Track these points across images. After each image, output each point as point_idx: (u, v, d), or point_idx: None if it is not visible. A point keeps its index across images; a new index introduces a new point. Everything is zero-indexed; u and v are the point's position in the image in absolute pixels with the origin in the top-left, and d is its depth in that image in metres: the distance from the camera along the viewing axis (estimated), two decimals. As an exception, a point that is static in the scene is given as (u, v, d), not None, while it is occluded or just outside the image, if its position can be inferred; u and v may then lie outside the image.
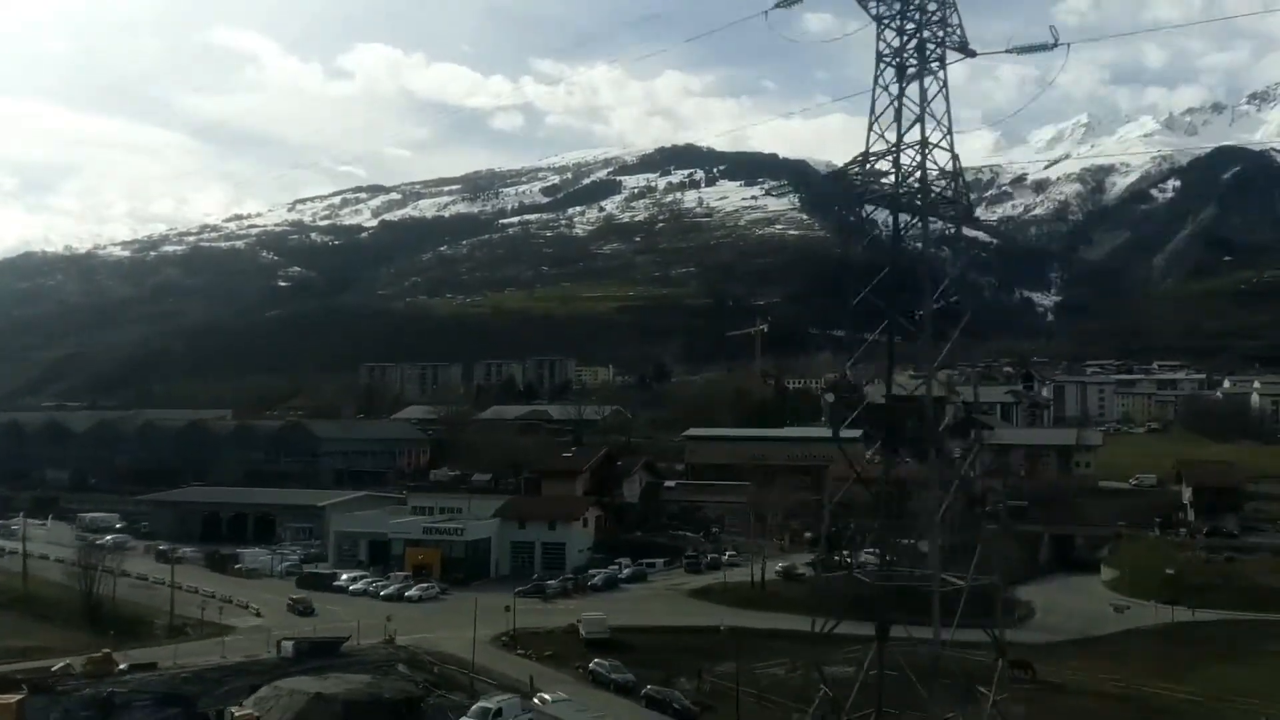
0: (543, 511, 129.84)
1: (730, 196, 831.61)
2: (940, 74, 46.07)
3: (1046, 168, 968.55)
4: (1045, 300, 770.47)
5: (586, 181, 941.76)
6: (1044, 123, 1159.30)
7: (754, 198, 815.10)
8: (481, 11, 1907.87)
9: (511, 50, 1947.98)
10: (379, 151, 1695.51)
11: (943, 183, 48.77)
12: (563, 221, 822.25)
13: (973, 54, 46.52)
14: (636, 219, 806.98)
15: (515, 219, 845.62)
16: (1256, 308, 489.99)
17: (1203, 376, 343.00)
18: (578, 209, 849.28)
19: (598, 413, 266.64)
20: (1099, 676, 78.59)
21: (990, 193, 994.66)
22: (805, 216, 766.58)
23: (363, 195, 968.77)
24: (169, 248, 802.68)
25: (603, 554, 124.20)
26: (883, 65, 45.84)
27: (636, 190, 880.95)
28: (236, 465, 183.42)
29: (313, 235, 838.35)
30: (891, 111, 48.34)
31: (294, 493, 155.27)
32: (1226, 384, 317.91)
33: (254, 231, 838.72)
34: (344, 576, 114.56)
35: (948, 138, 45.31)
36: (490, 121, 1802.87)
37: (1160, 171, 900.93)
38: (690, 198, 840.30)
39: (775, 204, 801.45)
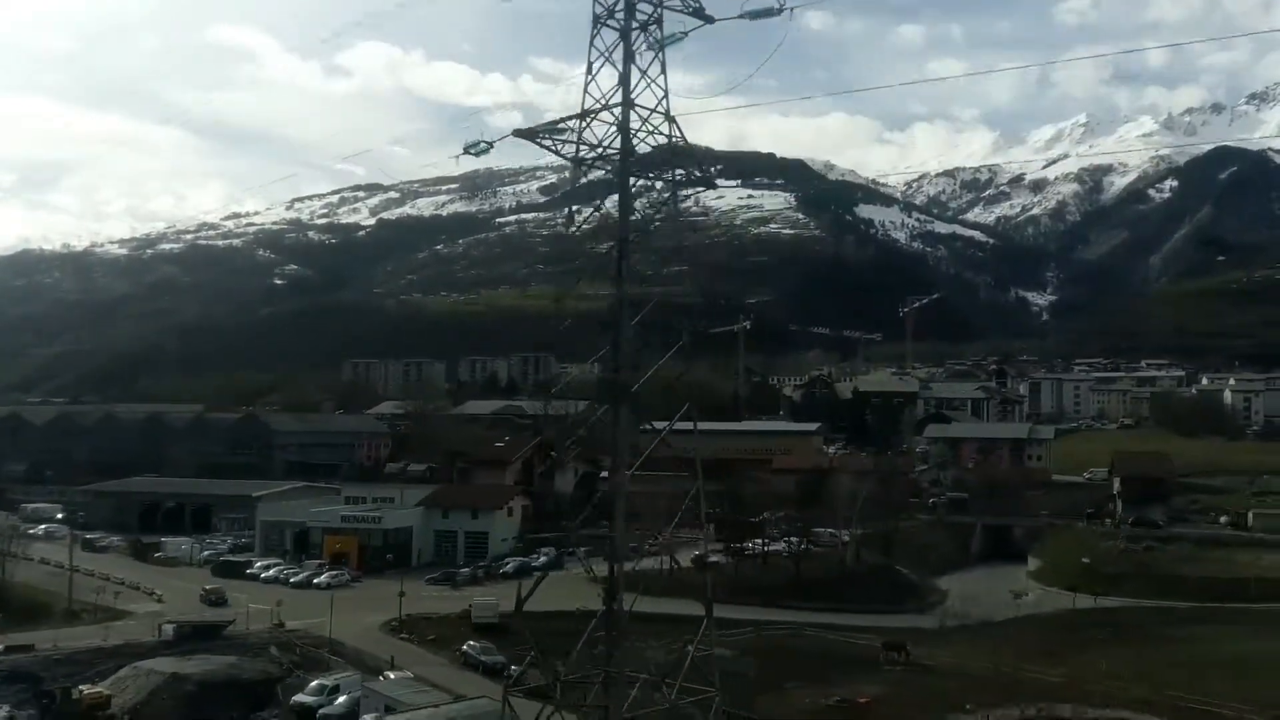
0: (466, 500, 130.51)
1: (727, 195, 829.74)
2: (656, 34, 45.86)
3: (1045, 167, 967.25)
4: (1040, 300, 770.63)
5: (584, 181, 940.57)
6: (1043, 122, 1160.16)
7: (750, 196, 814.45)
8: (480, 10, 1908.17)
9: (510, 49, 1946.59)
10: (378, 149, 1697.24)
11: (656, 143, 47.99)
12: (560, 220, 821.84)
13: (709, 20, 46.26)
14: (633, 217, 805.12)
15: (512, 217, 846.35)
16: (1246, 307, 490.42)
17: (1182, 374, 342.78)
18: (575, 208, 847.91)
19: (565, 408, 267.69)
20: (977, 660, 78.79)
21: (988, 192, 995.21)
22: (801, 216, 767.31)
23: (361, 194, 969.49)
24: (166, 245, 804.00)
25: (528, 543, 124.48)
26: (598, 26, 45.75)
27: (634, 189, 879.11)
28: (193, 458, 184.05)
29: (310, 234, 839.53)
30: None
31: (231, 484, 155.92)
32: (1204, 381, 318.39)
33: (252, 230, 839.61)
34: (258, 565, 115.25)
35: (664, 101, 45.00)
36: (490, 120, 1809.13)
37: (1158, 171, 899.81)
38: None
39: (771, 203, 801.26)
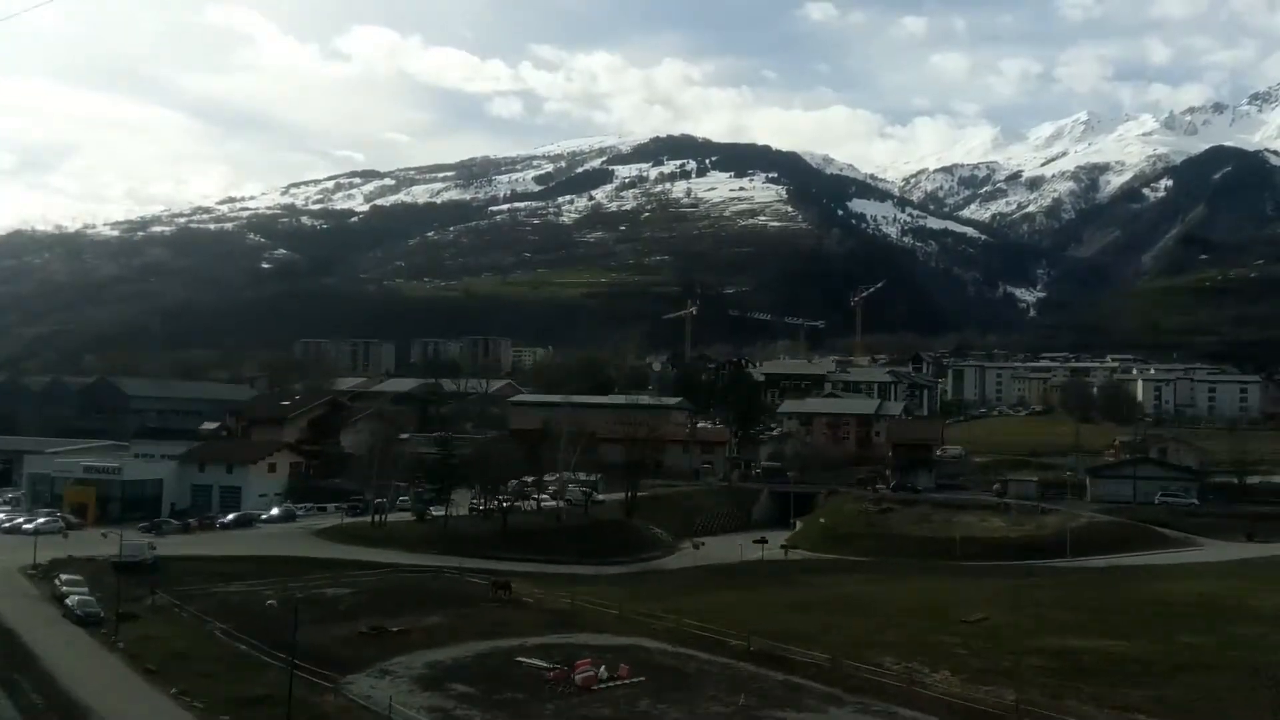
0: (221, 456, 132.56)
1: (719, 187, 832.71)
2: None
3: (1043, 165, 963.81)
4: (1029, 296, 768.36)
5: (580, 170, 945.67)
6: (1045, 118, 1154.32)
7: (741, 188, 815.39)
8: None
9: (510, 35, 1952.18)
10: (377, 135, 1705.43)
11: None
12: (551, 210, 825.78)
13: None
14: (624, 208, 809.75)
15: (505, 206, 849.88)
16: (1220, 304, 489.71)
17: (1115, 365, 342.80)
18: (567, 198, 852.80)
19: (479, 386, 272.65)
20: (604, 601, 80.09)
21: (985, 189, 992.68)
22: (790, 208, 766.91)
23: (356, 180, 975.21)
24: (159, 229, 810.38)
25: (293, 498, 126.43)
26: None
27: (627, 180, 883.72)
28: (46, 420, 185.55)
29: (303, 219, 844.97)
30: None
31: (30, 440, 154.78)
32: (1133, 372, 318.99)
33: (245, 214, 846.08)
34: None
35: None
36: (489, 107, 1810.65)
37: (1154, 170, 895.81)
38: (680, 188, 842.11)
39: (762, 195, 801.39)
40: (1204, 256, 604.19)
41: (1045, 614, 74.21)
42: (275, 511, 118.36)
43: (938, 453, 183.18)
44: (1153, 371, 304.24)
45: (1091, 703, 52.50)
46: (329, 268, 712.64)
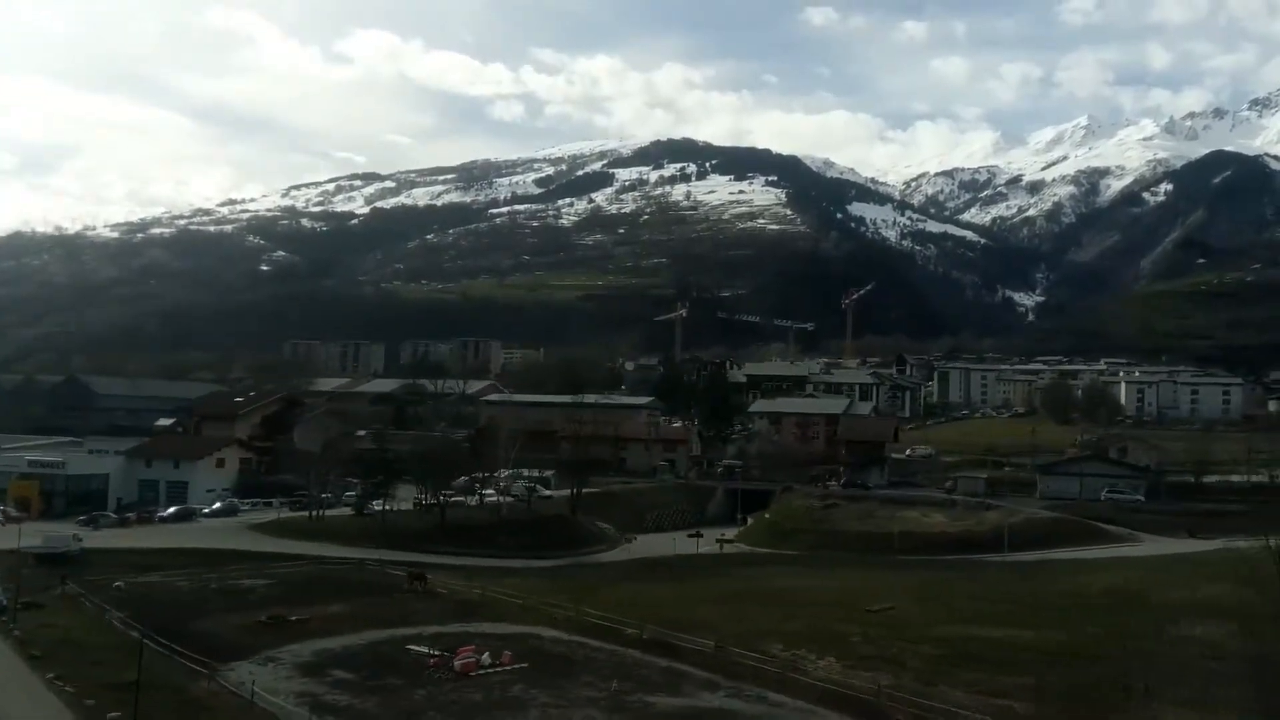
0: (168, 451, 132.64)
1: (718, 190, 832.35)
2: None
3: (1043, 169, 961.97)
4: (1027, 300, 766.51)
5: (580, 173, 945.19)
6: (1046, 122, 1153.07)
7: (741, 192, 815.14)
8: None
9: (512, 39, 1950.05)
10: (379, 138, 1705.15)
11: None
12: (551, 212, 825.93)
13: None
14: (624, 211, 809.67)
15: (505, 209, 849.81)
16: (1216, 308, 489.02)
17: (1103, 368, 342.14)
18: (567, 201, 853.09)
19: (455, 387, 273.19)
20: (523, 593, 79.73)
21: (985, 193, 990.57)
22: (789, 211, 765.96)
23: (357, 182, 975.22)
24: (159, 230, 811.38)
25: (241, 494, 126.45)
26: None
27: (628, 183, 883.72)
28: (17, 419, 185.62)
29: (303, 221, 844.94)
30: None
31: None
32: (1119, 374, 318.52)
33: (245, 216, 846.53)
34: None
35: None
36: (490, 111, 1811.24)
37: (1154, 175, 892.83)
38: (679, 191, 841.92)
39: (761, 198, 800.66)
40: (1202, 261, 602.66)
41: (956, 604, 74.03)
42: (217, 506, 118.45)
43: (907, 452, 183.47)
44: (1137, 374, 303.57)
45: (965, 689, 52.33)
46: (328, 270, 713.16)
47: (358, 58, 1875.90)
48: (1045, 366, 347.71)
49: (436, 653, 58.78)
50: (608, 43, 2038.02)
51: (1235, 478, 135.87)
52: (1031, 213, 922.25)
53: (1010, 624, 67.84)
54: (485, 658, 58.14)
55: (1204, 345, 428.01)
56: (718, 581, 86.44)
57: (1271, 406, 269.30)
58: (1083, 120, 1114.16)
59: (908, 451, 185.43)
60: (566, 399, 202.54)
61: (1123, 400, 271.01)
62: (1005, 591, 78.90)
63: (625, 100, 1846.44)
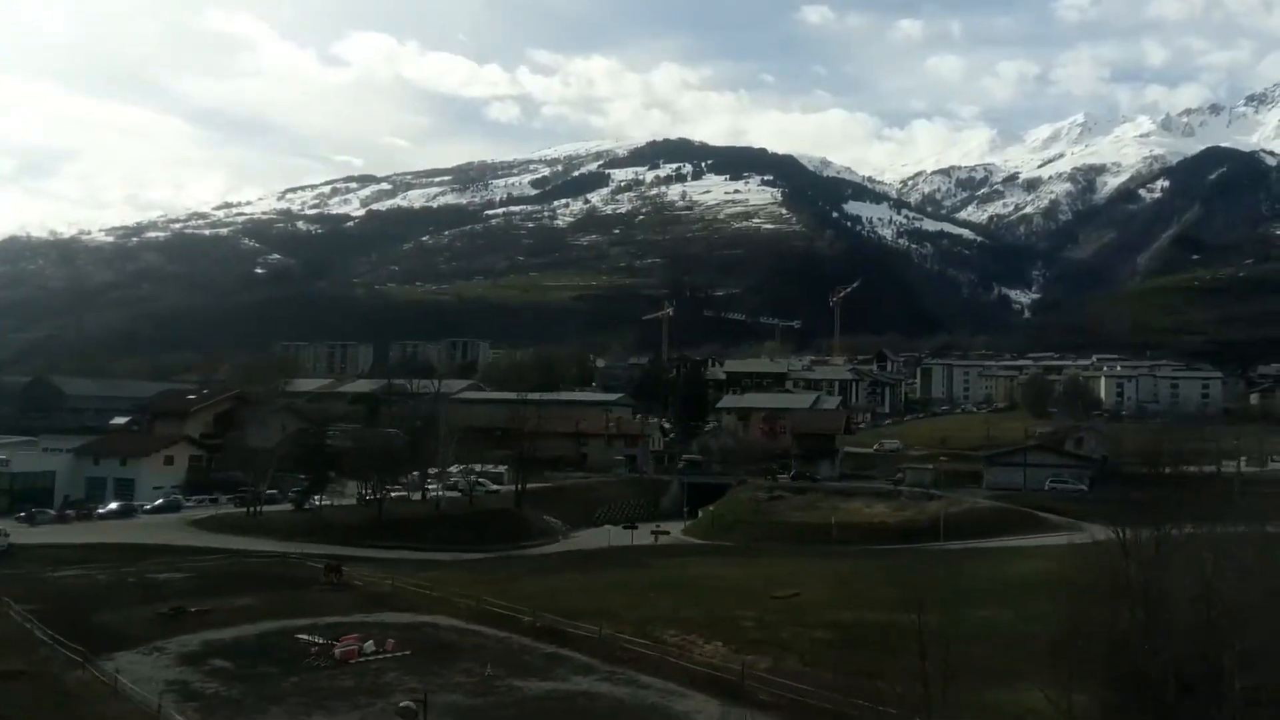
0: (117, 449, 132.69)
1: (714, 190, 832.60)
2: None
3: (1040, 166, 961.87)
4: (1024, 298, 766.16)
5: (576, 174, 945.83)
6: (1043, 120, 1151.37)
7: (736, 191, 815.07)
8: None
9: (508, 40, 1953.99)
10: (375, 141, 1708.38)
11: None
12: (546, 213, 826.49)
13: None
14: (619, 211, 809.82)
15: (501, 210, 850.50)
16: (1209, 303, 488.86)
17: (1087, 364, 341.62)
18: (563, 201, 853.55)
19: (430, 386, 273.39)
20: (439, 585, 79.37)
21: (982, 191, 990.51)
22: (784, 210, 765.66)
23: (353, 185, 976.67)
24: (154, 234, 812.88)
25: (191, 491, 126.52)
26: None
27: (623, 183, 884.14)
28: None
29: (299, 224, 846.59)
30: None
31: None
32: (1102, 369, 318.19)
33: (241, 219, 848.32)
34: None
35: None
36: (486, 112, 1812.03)
37: (1151, 172, 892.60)
38: (675, 191, 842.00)
39: (757, 198, 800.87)
40: (1196, 257, 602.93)
41: (866, 591, 73.54)
42: (159, 502, 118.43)
43: (875, 447, 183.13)
44: (1119, 369, 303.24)
45: (835, 670, 51.97)
46: (323, 272, 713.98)
47: (354, 60, 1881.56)
48: (1031, 363, 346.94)
49: (319, 641, 58.65)
50: (604, 43, 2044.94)
51: (1192, 469, 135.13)
52: (1028, 210, 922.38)
53: (913, 610, 67.34)
54: (369, 645, 58.02)
55: (1196, 340, 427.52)
56: (639, 572, 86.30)
57: (1253, 400, 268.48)
58: (1079, 117, 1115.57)
59: (875, 446, 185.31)
60: (541, 396, 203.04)
61: (1103, 394, 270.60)
62: (922, 579, 78.26)
63: (622, 101, 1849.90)
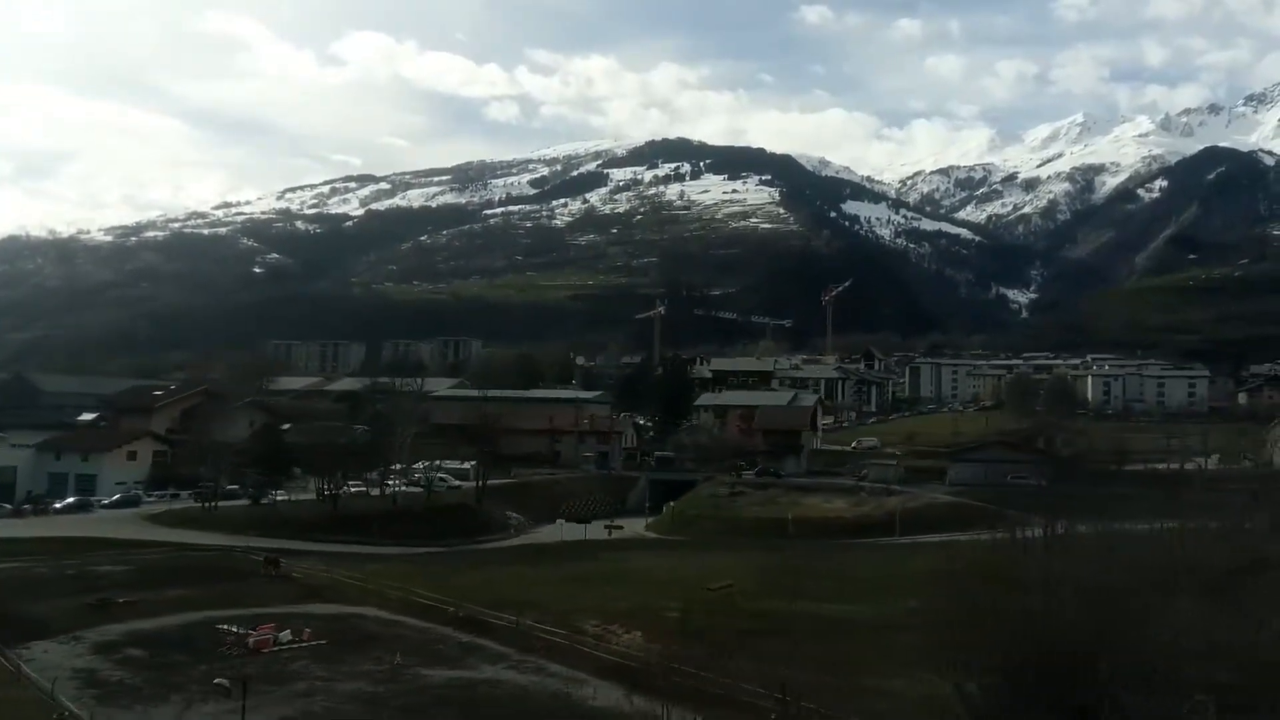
0: (79, 444, 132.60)
1: (712, 190, 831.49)
2: None
3: (1039, 166, 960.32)
4: (1021, 297, 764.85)
5: (575, 174, 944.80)
6: (1042, 119, 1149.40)
7: (734, 191, 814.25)
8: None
9: (506, 39, 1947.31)
10: (374, 140, 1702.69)
11: None
12: (545, 213, 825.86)
13: None
14: (618, 211, 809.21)
15: (499, 210, 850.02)
16: (1204, 303, 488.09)
17: (1082, 362, 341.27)
18: (561, 201, 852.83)
19: (412, 384, 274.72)
20: (361, 576, 79.28)
21: (981, 190, 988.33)
22: (782, 210, 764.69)
23: (352, 185, 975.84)
24: (153, 234, 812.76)
25: (155, 486, 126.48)
26: None
27: (622, 183, 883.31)
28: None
29: (298, 223, 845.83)
30: None
31: None
32: (1092, 368, 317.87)
33: (240, 219, 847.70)
34: None
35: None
36: (485, 112, 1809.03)
37: (1149, 171, 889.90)
38: (673, 190, 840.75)
39: (755, 197, 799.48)
40: (1192, 256, 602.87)
41: (801, 583, 73.44)
42: (116, 497, 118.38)
43: (853, 444, 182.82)
44: (1106, 367, 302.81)
45: (754, 659, 51.92)
46: (321, 272, 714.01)
47: (353, 60, 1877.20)
48: (1022, 362, 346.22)
49: (236, 630, 58.58)
50: (603, 43, 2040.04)
51: (1160, 466, 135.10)
52: (1027, 210, 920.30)
53: (843, 600, 67.49)
54: (285, 635, 58.07)
55: (1191, 340, 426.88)
56: (580, 565, 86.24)
57: (1241, 399, 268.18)
58: (1078, 117, 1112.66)
59: (854, 444, 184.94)
60: (519, 394, 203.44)
61: (1089, 393, 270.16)
62: (860, 572, 78.47)
63: (620, 100, 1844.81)
